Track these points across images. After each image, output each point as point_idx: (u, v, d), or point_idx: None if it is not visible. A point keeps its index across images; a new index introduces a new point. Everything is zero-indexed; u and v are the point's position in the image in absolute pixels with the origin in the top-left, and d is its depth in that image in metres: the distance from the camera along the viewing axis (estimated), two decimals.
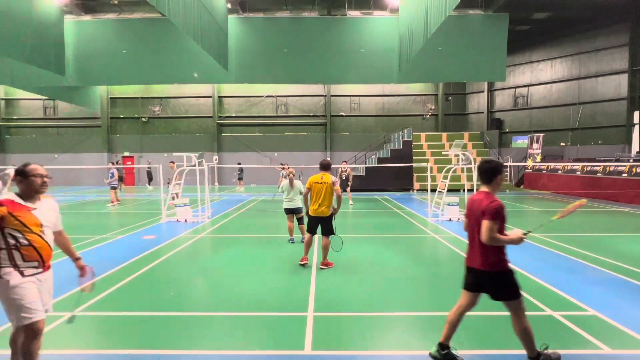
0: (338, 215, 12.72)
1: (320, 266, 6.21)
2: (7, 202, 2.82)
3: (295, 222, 8.30)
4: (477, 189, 3.54)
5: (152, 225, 10.57)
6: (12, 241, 2.79)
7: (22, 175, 2.89)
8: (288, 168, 16.03)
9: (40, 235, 2.90)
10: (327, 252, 6.25)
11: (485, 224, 3.14)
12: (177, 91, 28.06)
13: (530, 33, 23.83)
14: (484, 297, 5.00)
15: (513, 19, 19.59)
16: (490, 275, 3.29)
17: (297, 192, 8.18)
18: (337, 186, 6.12)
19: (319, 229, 6.26)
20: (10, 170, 22.51)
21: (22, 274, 2.83)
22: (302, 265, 6.27)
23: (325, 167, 6.33)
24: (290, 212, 8.19)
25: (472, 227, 3.40)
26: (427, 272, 6.16)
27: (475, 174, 11.31)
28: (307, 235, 6.36)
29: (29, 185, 2.91)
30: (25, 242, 2.83)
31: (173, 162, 14.37)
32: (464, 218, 3.61)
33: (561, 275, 5.83)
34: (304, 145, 27.67)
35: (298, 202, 8.16)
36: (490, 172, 3.35)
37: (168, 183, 13.72)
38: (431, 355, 3.43)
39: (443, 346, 3.39)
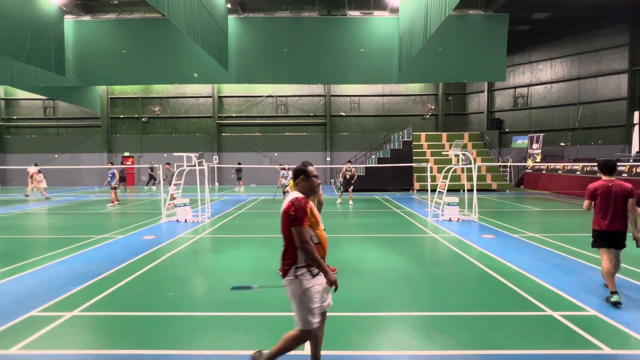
0: (339, 215, 12.73)
1: None
2: (304, 200, 2.92)
3: None
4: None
5: (152, 225, 10.56)
6: None
7: (306, 174, 3.07)
8: (289, 169, 16.12)
9: (323, 233, 3.03)
10: (325, 257, 6.08)
11: (633, 202, 4.78)
12: (177, 91, 28.07)
13: (530, 33, 23.83)
14: (481, 299, 5.01)
15: (513, 19, 19.60)
16: (625, 233, 4.84)
17: None
18: (320, 191, 5.93)
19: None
20: (32, 169, 22.58)
21: (311, 273, 2.91)
22: None
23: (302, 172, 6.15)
24: None
25: (612, 202, 4.84)
26: (427, 272, 6.15)
27: (475, 174, 11.31)
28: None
29: (310, 185, 3.07)
30: (317, 240, 2.93)
31: (169, 164, 14.39)
32: (588, 199, 5.10)
33: (561, 275, 5.84)
34: (304, 145, 27.67)
35: None
36: (614, 167, 5.04)
37: (163, 180, 13.75)
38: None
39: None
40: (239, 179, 23.35)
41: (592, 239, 5.07)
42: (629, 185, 4.89)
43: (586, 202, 5.12)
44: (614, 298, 4.62)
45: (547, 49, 24.70)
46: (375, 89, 27.73)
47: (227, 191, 22.51)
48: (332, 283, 2.91)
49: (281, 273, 2.99)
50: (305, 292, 2.88)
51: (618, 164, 16.40)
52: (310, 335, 3.00)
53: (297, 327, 3.01)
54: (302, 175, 3.07)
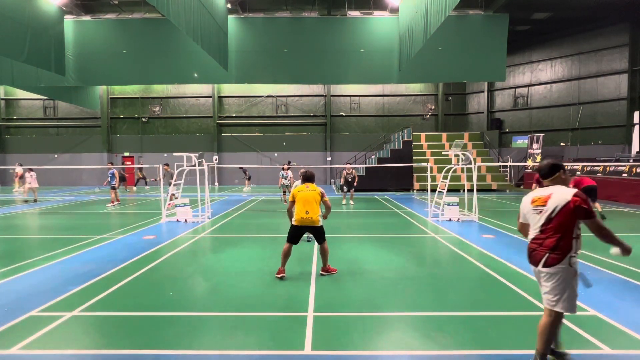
0: (339, 215, 12.74)
1: (321, 272, 5.91)
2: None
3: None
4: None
5: (152, 225, 10.56)
6: (578, 231, 3.13)
7: (564, 168, 3.36)
8: (288, 169, 16.16)
9: None
10: (327, 257, 5.92)
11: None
12: (177, 91, 28.08)
13: (530, 33, 23.83)
14: (481, 299, 5.01)
15: (513, 19, 19.59)
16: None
17: None
18: (326, 197, 5.83)
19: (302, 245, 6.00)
20: (19, 169, 22.53)
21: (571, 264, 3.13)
22: (280, 278, 5.71)
23: (309, 178, 5.98)
24: None
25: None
26: (427, 272, 6.15)
27: (475, 174, 11.31)
28: (286, 244, 5.84)
29: (567, 178, 3.38)
30: (579, 231, 3.15)
31: (168, 165, 14.41)
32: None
33: None
34: (304, 145, 27.68)
35: None
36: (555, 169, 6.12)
37: (154, 180, 13.69)
38: None
39: None
40: (248, 178, 23.43)
41: None
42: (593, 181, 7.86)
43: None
44: None
45: (547, 49, 24.70)
46: (375, 89, 27.73)
47: (227, 191, 22.52)
48: (629, 251, 3.07)
49: (542, 261, 3.17)
50: (576, 278, 3.13)
51: (617, 164, 16.48)
52: (561, 317, 3.23)
53: (552, 313, 3.19)
54: (561, 170, 3.33)
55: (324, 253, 5.90)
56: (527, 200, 3.38)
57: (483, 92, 27.48)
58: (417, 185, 21.54)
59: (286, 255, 5.87)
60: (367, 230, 9.74)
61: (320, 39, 19.58)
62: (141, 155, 27.95)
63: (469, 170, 13.38)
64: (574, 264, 3.11)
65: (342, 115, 28.01)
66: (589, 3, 19.38)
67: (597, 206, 11.39)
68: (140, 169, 25.45)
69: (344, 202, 15.92)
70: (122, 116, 28.20)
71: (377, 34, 19.55)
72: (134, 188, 24.66)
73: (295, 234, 5.85)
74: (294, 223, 5.81)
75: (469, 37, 18.98)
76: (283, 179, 15.95)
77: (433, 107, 27.99)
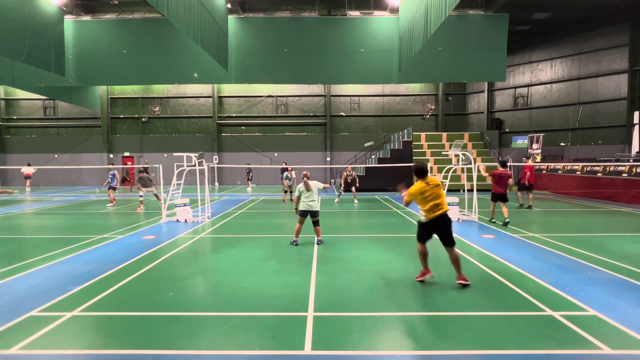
0: (339, 215, 12.70)
1: (458, 281, 5.38)
2: None
3: (309, 225, 8.12)
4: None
5: (152, 225, 10.57)
6: None
7: None
8: (291, 170, 16.18)
9: None
10: (460, 265, 5.46)
11: (512, 180, 11.26)
12: (177, 91, 28.08)
13: (530, 33, 23.82)
14: (481, 299, 5.01)
15: (513, 19, 19.59)
16: (506, 194, 10.65)
17: (316, 193, 7.92)
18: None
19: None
20: (27, 169, 22.39)
21: None
22: (421, 281, 5.59)
23: (422, 171, 5.61)
24: (306, 214, 7.91)
25: (502, 180, 10.45)
26: None
27: (475, 174, 11.32)
28: (419, 244, 5.69)
29: None
30: None
31: (142, 171, 14.41)
32: (490, 176, 10.46)
33: (561, 275, 5.83)
34: (304, 145, 27.68)
35: (317, 205, 7.91)
36: (506, 164, 10.87)
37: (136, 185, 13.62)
38: None
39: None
40: (249, 179, 23.44)
41: (491, 197, 10.57)
42: (509, 172, 10.41)
43: (489, 178, 10.43)
44: (507, 220, 9.99)
45: (547, 49, 24.70)
46: (375, 89, 27.73)
47: (227, 191, 22.51)
48: None
49: None
50: None
51: (617, 164, 16.49)
52: None
53: None
54: None
55: (456, 260, 5.50)
56: None
57: (483, 92, 27.47)
58: None
59: (424, 255, 5.69)
60: (367, 230, 9.74)
61: (320, 39, 19.58)
62: (141, 155, 27.94)
63: (469, 170, 13.37)
64: None
65: (342, 115, 28.01)
66: (589, 3, 19.38)
67: (520, 196, 14.53)
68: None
69: (336, 200, 16.31)
70: (122, 116, 28.19)
71: (377, 34, 19.56)
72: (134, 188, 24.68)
73: (428, 232, 5.74)
74: (427, 218, 5.60)
75: (469, 37, 19.00)
76: (287, 180, 15.87)
77: (433, 107, 27.98)
